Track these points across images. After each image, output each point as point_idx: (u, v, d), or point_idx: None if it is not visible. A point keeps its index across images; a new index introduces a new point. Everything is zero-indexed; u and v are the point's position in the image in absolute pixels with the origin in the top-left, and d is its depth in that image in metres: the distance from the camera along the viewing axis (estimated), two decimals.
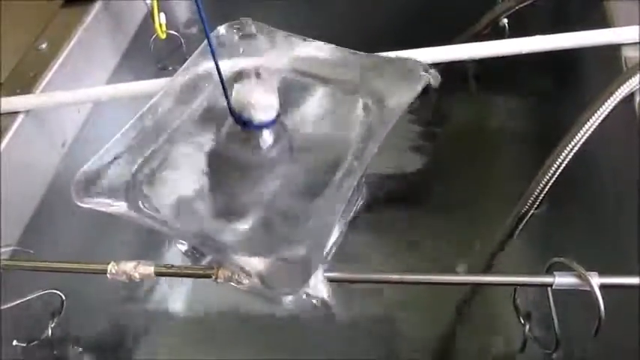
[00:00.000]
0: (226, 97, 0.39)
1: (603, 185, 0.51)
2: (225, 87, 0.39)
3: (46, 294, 0.46)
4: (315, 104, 0.45)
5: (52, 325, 0.49)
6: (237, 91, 0.40)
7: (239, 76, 0.42)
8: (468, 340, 0.57)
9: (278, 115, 0.41)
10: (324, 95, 0.46)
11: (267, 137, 0.41)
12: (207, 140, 0.44)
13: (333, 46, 0.47)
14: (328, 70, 0.46)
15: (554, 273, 0.35)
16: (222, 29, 0.50)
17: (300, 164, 0.42)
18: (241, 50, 0.49)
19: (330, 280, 0.36)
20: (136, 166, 0.42)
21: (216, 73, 0.38)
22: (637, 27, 0.50)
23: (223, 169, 0.43)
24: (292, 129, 0.44)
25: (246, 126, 0.40)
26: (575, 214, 0.56)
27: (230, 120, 0.41)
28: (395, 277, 0.36)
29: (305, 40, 0.48)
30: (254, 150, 0.41)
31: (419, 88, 0.42)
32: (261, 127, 0.40)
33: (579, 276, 0.34)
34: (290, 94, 0.45)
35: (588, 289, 0.33)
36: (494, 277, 0.38)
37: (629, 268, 0.44)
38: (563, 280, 0.34)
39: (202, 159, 0.43)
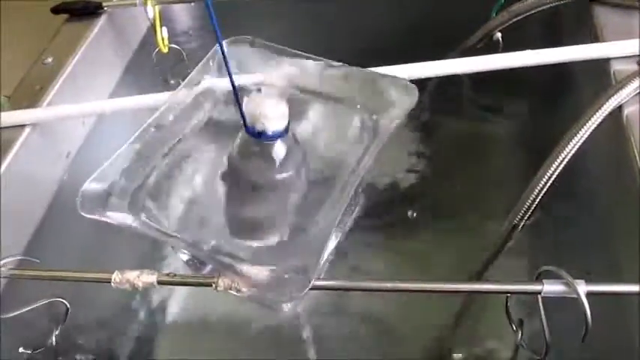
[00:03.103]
0: (240, 108, 0.39)
1: (593, 195, 0.52)
2: (237, 98, 0.39)
3: (50, 302, 0.47)
4: (311, 119, 0.47)
5: (57, 333, 0.50)
6: (248, 103, 0.40)
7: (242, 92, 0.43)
8: (462, 346, 0.58)
9: (288, 125, 0.41)
10: (321, 110, 0.47)
11: (280, 148, 0.41)
12: (210, 153, 0.46)
13: (329, 61, 0.48)
14: (325, 86, 0.48)
15: (543, 281, 0.36)
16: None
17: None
18: (240, 66, 0.50)
19: (325, 289, 0.37)
20: (139, 179, 0.43)
21: (230, 84, 0.38)
22: (626, 41, 0.52)
23: (229, 184, 0.44)
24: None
25: (260, 137, 0.40)
26: (565, 224, 0.57)
27: (239, 134, 0.41)
28: (388, 284, 0.37)
29: (302, 55, 0.49)
30: (267, 163, 0.41)
31: (413, 102, 0.43)
32: (275, 137, 0.40)
33: (567, 284, 0.35)
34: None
35: (575, 296, 0.35)
36: (485, 285, 0.39)
37: (619, 276, 0.45)
38: (551, 287, 0.35)
39: (205, 172, 0.45)
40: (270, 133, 0.39)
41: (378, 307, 0.61)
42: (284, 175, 0.42)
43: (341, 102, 0.47)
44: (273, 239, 0.42)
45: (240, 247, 0.40)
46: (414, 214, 0.68)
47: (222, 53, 0.36)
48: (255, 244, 0.42)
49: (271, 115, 0.39)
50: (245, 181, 0.42)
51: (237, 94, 0.39)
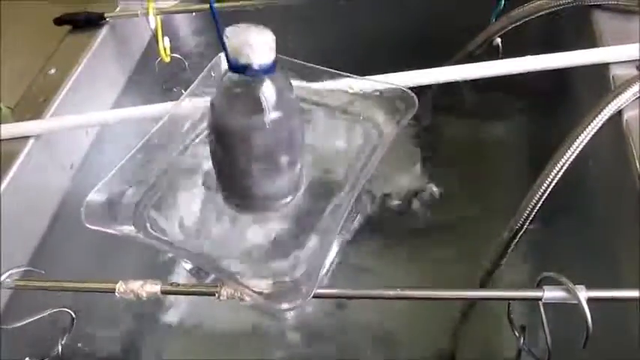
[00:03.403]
0: (221, 41, 0.35)
1: (593, 200, 0.53)
2: (220, 31, 0.34)
3: (56, 312, 0.47)
4: (312, 128, 0.47)
5: (63, 342, 0.50)
6: (232, 33, 0.35)
7: None
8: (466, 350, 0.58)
9: (276, 61, 0.36)
10: (322, 119, 0.47)
11: (268, 87, 0.36)
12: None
13: (330, 70, 0.49)
14: (325, 95, 0.48)
15: (544, 287, 0.36)
16: (223, 56, 0.52)
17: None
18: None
19: (327, 297, 0.37)
20: (143, 189, 0.44)
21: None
22: (625, 46, 0.52)
23: (214, 134, 0.40)
24: None
25: (245, 71, 0.35)
26: (566, 229, 0.57)
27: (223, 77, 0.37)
28: (390, 292, 0.37)
29: (304, 64, 0.49)
30: (255, 105, 0.36)
31: (412, 110, 0.44)
32: (262, 71, 0.36)
33: (568, 290, 0.35)
34: None
35: (576, 302, 0.35)
36: (486, 292, 0.39)
37: (620, 281, 0.45)
38: (551, 294, 0.36)
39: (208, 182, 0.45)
40: (256, 66, 0.35)
41: (380, 315, 0.61)
42: (275, 117, 0.37)
43: (341, 110, 0.47)
44: (264, 246, 0.41)
45: (239, 255, 0.40)
46: (420, 217, 0.68)
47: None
48: (250, 252, 0.41)
49: (256, 44, 0.34)
50: (232, 129, 0.38)
51: (219, 27, 0.34)
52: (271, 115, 0.37)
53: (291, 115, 0.39)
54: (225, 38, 0.35)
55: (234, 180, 0.41)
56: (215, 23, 0.35)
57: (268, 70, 0.36)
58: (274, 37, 0.36)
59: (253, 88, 0.36)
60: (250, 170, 0.39)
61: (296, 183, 0.42)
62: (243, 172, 0.40)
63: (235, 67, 0.35)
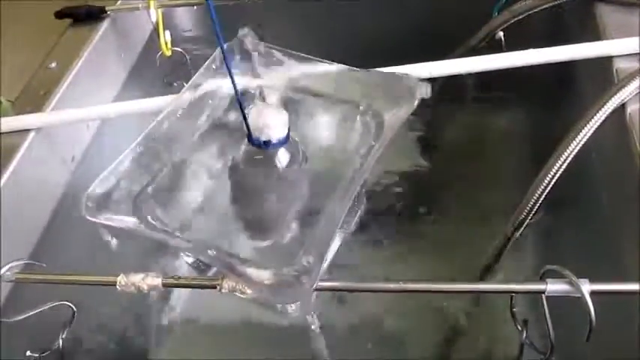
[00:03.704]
0: (245, 122, 0.41)
1: (596, 193, 0.52)
2: (243, 110, 0.40)
3: (57, 305, 0.47)
4: (314, 120, 0.47)
5: (63, 336, 0.50)
6: (251, 115, 0.41)
7: (242, 92, 0.43)
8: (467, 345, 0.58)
9: (289, 132, 0.43)
10: (324, 111, 0.47)
11: (283, 155, 0.43)
12: (213, 156, 0.46)
13: (331, 62, 0.49)
14: (327, 87, 0.48)
15: (547, 280, 0.36)
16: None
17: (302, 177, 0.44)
18: (242, 68, 0.50)
19: (329, 290, 0.37)
20: (144, 182, 0.44)
21: (232, 87, 0.40)
22: (628, 39, 0.52)
23: (233, 188, 0.45)
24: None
25: (267, 146, 0.42)
26: (569, 222, 0.57)
27: (242, 146, 0.43)
28: (392, 285, 0.37)
29: (304, 57, 0.49)
30: (270, 169, 0.43)
31: (415, 103, 0.43)
32: (279, 145, 0.42)
33: (571, 283, 0.35)
34: (290, 110, 0.46)
35: (579, 295, 0.35)
36: (489, 285, 0.39)
37: (624, 274, 0.45)
38: (555, 287, 0.35)
39: (208, 174, 0.45)
40: (274, 141, 0.42)
41: (380, 308, 0.61)
42: (288, 178, 0.43)
43: (343, 102, 0.47)
44: (279, 241, 0.42)
45: (244, 249, 0.40)
46: (422, 210, 0.68)
47: (225, 59, 0.37)
48: (261, 244, 0.42)
49: (274, 124, 0.41)
50: (251, 188, 0.44)
51: (242, 106, 0.40)
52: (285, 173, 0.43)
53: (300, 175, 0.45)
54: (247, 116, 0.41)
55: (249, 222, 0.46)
56: (214, 28, 0.36)
57: (284, 142, 0.42)
58: (287, 115, 0.42)
59: (270, 155, 0.43)
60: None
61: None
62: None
63: (258, 144, 0.42)
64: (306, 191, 0.44)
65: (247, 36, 0.51)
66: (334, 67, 0.49)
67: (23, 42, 0.73)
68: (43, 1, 0.74)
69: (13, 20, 0.77)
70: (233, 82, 0.38)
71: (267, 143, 0.42)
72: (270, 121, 0.41)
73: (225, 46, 0.51)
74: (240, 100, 0.39)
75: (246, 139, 0.42)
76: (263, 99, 0.49)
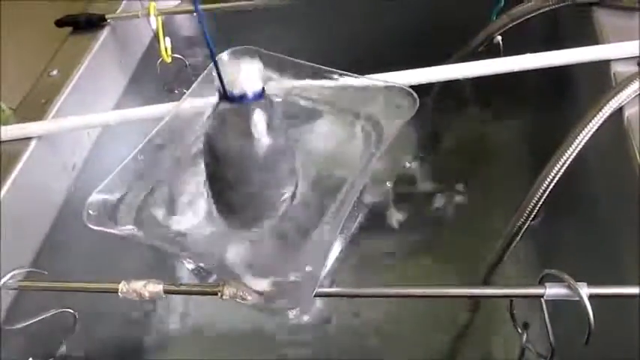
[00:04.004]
0: (219, 75, 0.38)
1: (594, 197, 0.53)
2: (216, 63, 0.38)
3: (59, 313, 0.47)
4: (314, 127, 0.47)
5: (65, 343, 0.50)
6: (225, 69, 0.39)
7: None
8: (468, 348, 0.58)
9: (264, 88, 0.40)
10: (323, 118, 0.47)
11: (259, 113, 0.40)
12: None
13: (330, 69, 0.49)
14: (327, 94, 0.48)
15: (546, 284, 0.36)
16: (224, 55, 0.52)
17: (301, 184, 0.44)
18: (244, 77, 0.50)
19: (329, 295, 0.37)
20: (145, 190, 0.44)
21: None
22: (626, 43, 0.52)
23: (210, 162, 0.42)
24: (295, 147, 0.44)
25: (242, 100, 0.39)
26: (567, 226, 0.57)
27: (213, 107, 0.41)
28: (392, 291, 0.37)
29: (304, 65, 0.50)
30: (249, 128, 0.40)
31: (413, 110, 0.44)
32: (255, 99, 0.39)
33: (569, 287, 0.35)
34: (290, 117, 0.47)
35: (578, 299, 0.35)
36: (488, 290, 0.39)
37: (622, 278, 0.45)
38: (553, 291, 0.36)
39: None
40: (250, 95, 0.39)
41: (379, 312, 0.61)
42: (268, 140, 0.40)
43: (342, 109, 0.48)
44: (266, 245, 0.41)
45: (244, 255, 0.40)
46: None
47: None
48: (252, 251, 0.42)
49: (249, 75, 0.39)
50: (228, 154, 0.41)
51: (215, 60, 0.38)
52: (263, 134, 0.40)
53: (279, 133, 0.42)
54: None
55: (229, 198, 0.43)
56: (205, 41, 0.36)
57: (260, 97, 0.40)
58: (262, 66, 0.40)
59: (246, 114, 0.40)
60: (246, 186, 0.41)
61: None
62: (238, 190, 0.42)
63: (232, 98, 0.39)
64: (294, 198, 0.42)
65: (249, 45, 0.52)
66: (334, 74, 0.49)
67: (24, 50, 0.74)
68: (44, 10, 0.75)
69: (15, 29, 0.77)
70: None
71: (242, 97, 0.39)
72: (245, 72, 0.39)
73: (227, 52, 0.52)
74: (213, 53, 0.37)
75: (217, 99, 0.40)
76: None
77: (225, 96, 0.39)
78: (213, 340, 0.65)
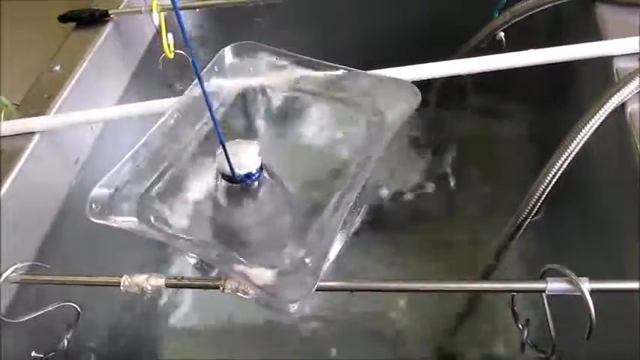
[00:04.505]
0: (229, 163, 0.40)
1: (596, 193, 0.53)
2: (226, 152, 0.39)
3: (62, 306, 0.47)
4: (316, 121, 0.47)
5: (68, 337, 0.51)
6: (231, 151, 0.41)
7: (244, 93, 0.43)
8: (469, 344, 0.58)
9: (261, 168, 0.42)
10: (326, 113, 0.48)
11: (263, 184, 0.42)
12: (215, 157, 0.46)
13: (333, 64, 0.49)
14: (329, 89, 0.48)
15: (547, 279, 0.36)
16: (226, 51, 0.52)
17: (303, 178, 0.44)
18: (245, 71, 0.50)
19: (331, 289, 0.37)
20: (147, 183, 0.44)
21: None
22: (628, 39, 0.52)
23: (219, 227, 0.44)
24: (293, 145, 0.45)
25: (248, 179, 0.41)
26: (569, 221, 0.57)
27: (217, 183, 0.42)
28: (393, 285, 0.37)
29: (306, 59, 0.50)
30: (252, 201, 0.43)
31: (416, 104, 0.44)
32: (257, 176, 0.41)
33: (571, 281, 0.35)
34: (292, 111, 0.47)
35: (579, 294, 0.35)
36: (489, 284, 0.39)
37: (623, 273, 0.45)
38: (555, 285, 0.36)
39: (211, 175, 0.45)
40: (254, 174, 0.41)
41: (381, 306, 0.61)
42: (268, 207, 0.43)
43: (345, 104, 0.48)
44: (268, 239, 0.42)
45: (245, 250, 0.40)
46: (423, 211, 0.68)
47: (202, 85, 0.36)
48: (254, 245, 0.42)
49: (249, 160, 0.41)
50: (239, 225, 0.43)
51: (224, 145, 0.39)
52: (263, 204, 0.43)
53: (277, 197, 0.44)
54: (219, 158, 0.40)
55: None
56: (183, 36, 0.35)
57: (259, 175, 0.42)
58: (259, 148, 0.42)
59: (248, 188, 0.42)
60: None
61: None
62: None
63: (240, 179, 0.41)
64: (295, 192, 0.44)
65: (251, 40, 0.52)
66: (336, 69, 0.49)
67: (27, 46, 0.74)
68: (47, 5, 0.75)
69: (18, 24, 0.77)
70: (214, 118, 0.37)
71: (249, 176, 0.41)
72: (245, 159, 0.41)
73: (230, 47, 0.52)
74: (225, 147, 0.39)
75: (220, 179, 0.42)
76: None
77: (233, 180, 0.41)
78: (215, 335, 0.66)
